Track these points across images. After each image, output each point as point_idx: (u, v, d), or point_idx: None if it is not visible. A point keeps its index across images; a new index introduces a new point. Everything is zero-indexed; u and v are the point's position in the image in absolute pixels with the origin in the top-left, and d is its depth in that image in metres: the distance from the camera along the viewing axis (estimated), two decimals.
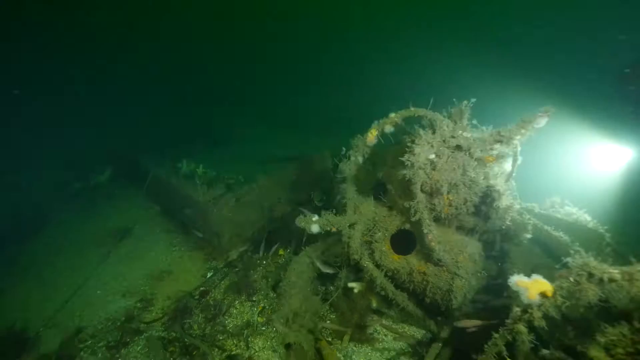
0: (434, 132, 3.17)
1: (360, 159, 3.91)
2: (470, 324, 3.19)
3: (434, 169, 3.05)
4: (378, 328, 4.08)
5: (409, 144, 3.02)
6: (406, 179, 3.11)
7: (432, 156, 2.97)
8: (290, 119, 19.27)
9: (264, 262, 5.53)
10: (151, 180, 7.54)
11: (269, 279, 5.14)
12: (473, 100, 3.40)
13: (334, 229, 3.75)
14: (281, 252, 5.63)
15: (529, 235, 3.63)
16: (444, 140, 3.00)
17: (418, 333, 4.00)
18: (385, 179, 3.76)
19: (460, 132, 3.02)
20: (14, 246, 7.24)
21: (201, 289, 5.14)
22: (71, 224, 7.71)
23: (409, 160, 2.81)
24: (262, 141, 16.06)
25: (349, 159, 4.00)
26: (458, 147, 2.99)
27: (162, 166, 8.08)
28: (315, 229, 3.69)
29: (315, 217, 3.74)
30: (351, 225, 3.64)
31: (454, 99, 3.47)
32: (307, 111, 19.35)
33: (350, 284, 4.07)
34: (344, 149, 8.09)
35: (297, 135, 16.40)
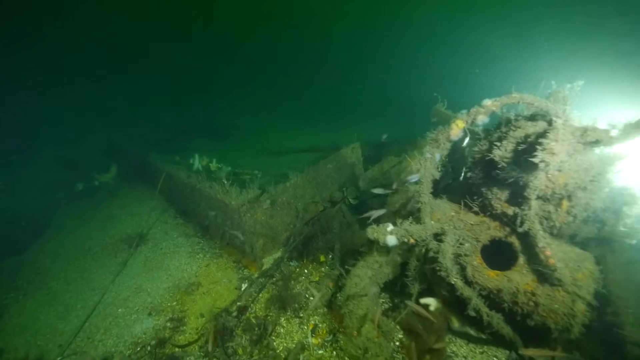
0: (550, 124, 2.58)
1: (438, 157, 3.31)
2: (539, 353, 2.74)
3: (559, 170, 2.47)
4: (457, 351, 3.57)
5: (539, 139, 2.40)
6: (521, 182, 2.53)
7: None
8: (293, 110, 18.50)
9: (305, 270, 4.96)
10: (165, 180, 6.82)
11: (315, 291, 4.57)
12: (580, 83, 2.82)
13: (412, 240, 3.19)
14: (322, 258, 5.06)
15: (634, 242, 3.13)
16: (580, 135, 2.41)
17: (502, 355, 3.51)
18: (474, 178, 3.17)
19: (592, 124, 2.43)
20: (13, 256, 6.53)
21: (238, 304, 4.55)
22: (76, 230, 6.98)
23: (543, 161, 2.22)
24: (268, 132, 15.32)
25: (422, 155, 3.39)
26: (594, 143, 2.40)
27: (177, 164, 7.38)
28: (391, 241, 3.11)
29: (390, 227, 3.15)
30: (437, 236, 3.07)
31: (552, 82, 2.89)
32: (311, 102, 18.59)
33: (425, 300, 3.53)
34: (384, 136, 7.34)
35: (303, 126, 15.71)
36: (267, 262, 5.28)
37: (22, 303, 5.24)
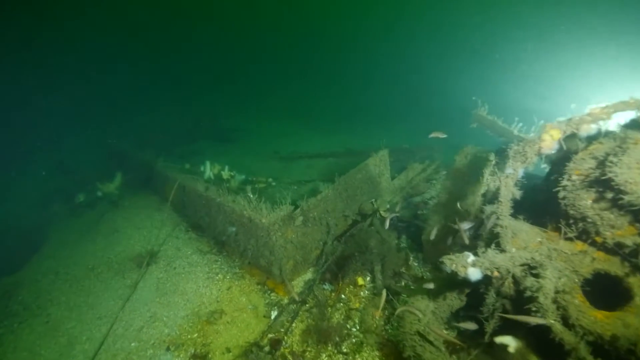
0: None
1: (522, 173, 2.81)
2: None
3: None
4: None
5: None
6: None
7: None
8: (301, 112, 17.97)
9: (342, 295, 4.42)
10: (177, 190, 6.24)
11: (357, 321, 4.04)
12: None
13: (496, 274, 2.68)
14: (360, 281, 4.52)
15: None
16: None
17: None
18: (569, 198, 2.67)
19: None
20: (5, 275, 5.88)
21: (269, 336, 3.99)
22: (77, 246, 6.35)
23: None
24: (275, 136, 14.76)
25: (499, 170, 2.90)
26: None
27: (188, 172, 6.82)
28: (474, 274, 2.60)
29: (471, 257, 2.65)
30: (529, 269, 2.56)
31: None
32: (320, 105, 18.06)
33: (502, 339, 3.02)
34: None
35: (312, 130, 15.17)
36: (297, 284, 4.74)
37: (18, 333, 4.61)
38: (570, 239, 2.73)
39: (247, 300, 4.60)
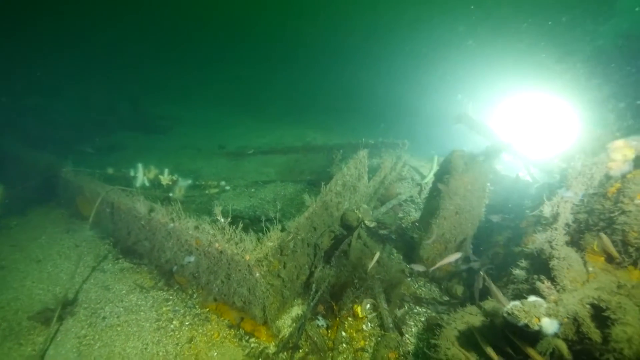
0: None
1: (581, 196, 2.43)
2: None
3: None
4: None
5: None
6: None
7: None
8: (242, 100, 16.09)
9: (342, 332, 3.68)
10: (102, 208, 4.58)
11: None
12: None
13: (565, 320, 2.26)
14: (359, 311, 3.84)
15: None
16: None
17: None
18: (632, 224, 2.38)
19: None
20: None
21: None
22: None
23: None
24: (218, 127, 12.87)
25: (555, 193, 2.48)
26: None
27: (116, 180, 5.14)
28: (551, 327, 2.13)
29: (544, 305, 2.17)
30: (617, 312, 2.19)
31: None
32: (271, 94, 16.37)
33: None
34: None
35: (260, 121, 13.67)
36: (284, 323, 3.82)
37: None
38: (621, 266, 2.47)
39: (219, 354, 3.52)
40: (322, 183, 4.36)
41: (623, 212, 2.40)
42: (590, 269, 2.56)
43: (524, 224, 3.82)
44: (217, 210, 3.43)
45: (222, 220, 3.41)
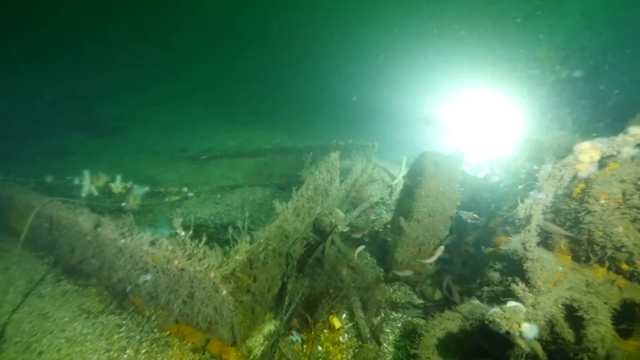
0: None
1: (552, 197, 2.46)
2: None
3: None
4: None
5: None
6: None
7: None
8: (205, 99, 15.24)
9: (319, 347, 3.48)
10: (36, 223, 3.96)
11: None
12: None
13: (542, 322, 2.26)
14: (336, 322, 3.67)
15: None
16: None
17: None
18: (598, 224, 2.44)
19: None
20: None
21: None
22: None
23: None
24: (176, 128, 12.06)
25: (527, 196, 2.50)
26: None
27: (57, 190, 4.52)
28: (530, 332, 2.11)
29: (523, 309, 2.14)
30: (589, 312, 2.21)
31: None
32: (229, 92, 15.67)
33: None
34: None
35: (225, 123, 13.02)
36: (255, 341, 3.53)
37: None
38: (588, 265, 2.55)
39: None
40: (294, 188, 4.14)
41: (589, 212, 2.47)
42: (560, 268, 2.61)
43: (492, 224, 3.90)
44: (177, 221, 3.06)
45: (183, 233, 3.05)
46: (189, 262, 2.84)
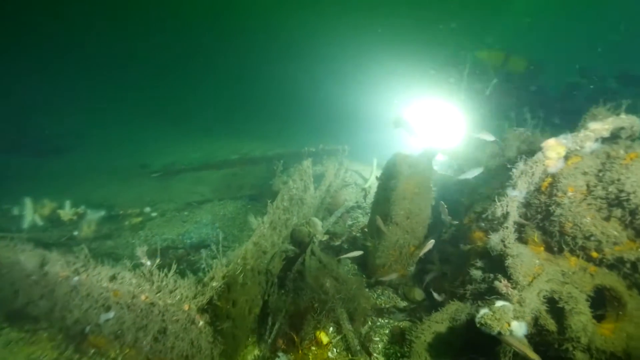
0: None
1: (524, 194, 2.54)
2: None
3: None
4: None
5: None
6: None
7: None
8: (162, 111, 14.28)
9: None
10: None
11: None
12: None
13: (528, 319, 2.30)
14: (323, 337, 3.52)
15: None
16: None
17: None
18: (567, 216, 2.56)
19: None
20: None
21: None
22: None
23: None
24: (133, 143, 11.20)
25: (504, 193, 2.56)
26: None
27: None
28: (521, 329, 2.13)
29: (510, 308, 2.16)
30: (570, 302, 2.28)
31: None
32: (186, 103, 14.78)
33: None
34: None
35: (184, 135, 12.28)
36: None
37: None
38: (560, 254, 2.67)
39: None
40: (269, 201, 3.94)
41: (558, 205, 2.59)
42: (537, 261, 2.70)
43: (466, 221, 4.00)
44: (141, 251, 2.75)
45: (148, 263, 2.74)
46: (158, 295, 2.54)
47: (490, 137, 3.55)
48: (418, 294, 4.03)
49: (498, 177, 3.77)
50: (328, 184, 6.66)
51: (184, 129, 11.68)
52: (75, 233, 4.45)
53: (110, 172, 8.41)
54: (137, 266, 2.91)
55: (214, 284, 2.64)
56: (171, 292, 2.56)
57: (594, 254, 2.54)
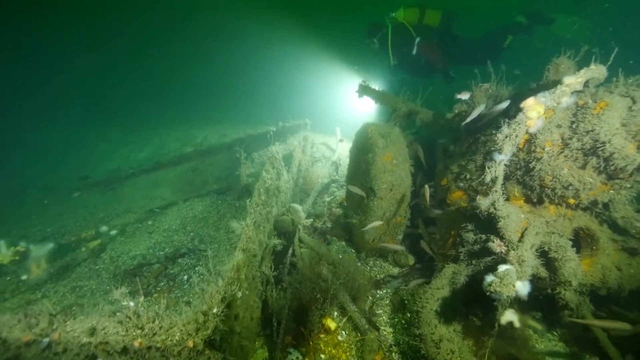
0: None
1: (509, 156, 2.59)
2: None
3: None
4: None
5: None
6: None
7: None
8: (93, 108, 12.23)
9: (322, 355, 3.34)
10: None
11: None
12: None
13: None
14: (330, 323, 3.55)
15: None
16: None
17: None
18: (546, 170, 2.67)
19: None
20: None
21: None
22: None
23: None
24: (67, 149, 9.62)
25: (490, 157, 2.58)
26: None
27: None
28: (524, 289, 2.27)
29: (511, 270, 2.27)
30: (559, 251, 2.45)
31: None
32: (117, 95, 12.73)
33: (505, 319, 3.02)
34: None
35: (125, 131, 10.78)
36: None
37: None
38: (541, 203, 2.85)
39: None
40: (247, 201, 3.65)
41: (537, 160, 2.69)
42: (522, 215, 2.86)
43: (444, 182, 4.11)
44: (118, 292, 2.39)
45: (132, 304, 2.41)
46: (154, 337, 2.27)
47: (465, 96, 3.53)
48: (410, 259, 4.19)
49: (468, 134, 3.83)
50: (297, 163, 6.41)
51: (127, 127, 10.29)
52: (24, 277, 3.80)
53: (45, 190, 7.27)
54: (114, 303, 2.57)
55: (214, 310, 2.42)
56: (167, 330, 2.30)
57: (571, 201, 2.75)
